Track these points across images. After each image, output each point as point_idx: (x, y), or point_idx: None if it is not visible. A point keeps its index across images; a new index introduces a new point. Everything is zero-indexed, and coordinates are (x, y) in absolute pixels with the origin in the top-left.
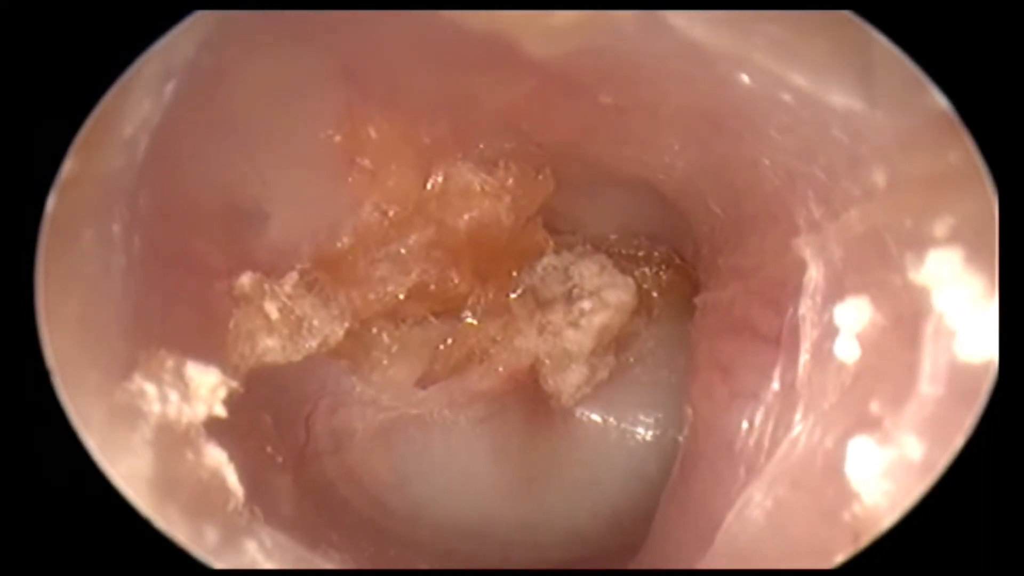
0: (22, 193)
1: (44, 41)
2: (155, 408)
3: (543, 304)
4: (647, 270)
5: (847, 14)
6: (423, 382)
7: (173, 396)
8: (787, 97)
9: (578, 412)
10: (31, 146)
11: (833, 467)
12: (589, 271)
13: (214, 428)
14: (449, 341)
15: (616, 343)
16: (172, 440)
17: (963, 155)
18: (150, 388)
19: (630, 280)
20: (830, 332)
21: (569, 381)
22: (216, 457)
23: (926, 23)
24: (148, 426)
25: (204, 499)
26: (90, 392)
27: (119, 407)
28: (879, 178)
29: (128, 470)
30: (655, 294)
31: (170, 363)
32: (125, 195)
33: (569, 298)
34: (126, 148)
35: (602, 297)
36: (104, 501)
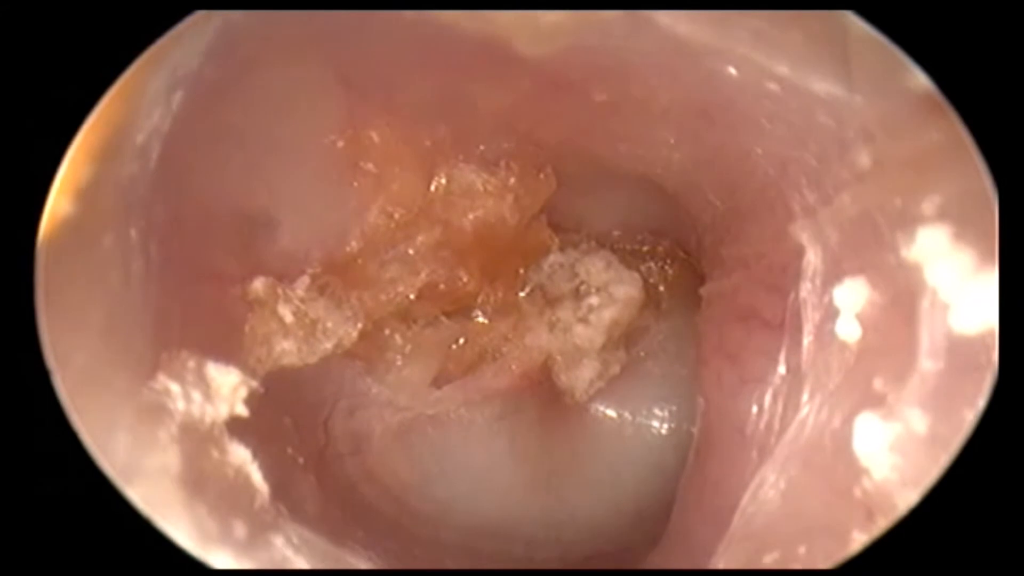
0: (21, 194)
1: (44, 41)
2: (180, 406)
3: (552, 301)
4: (652, 264)
5: (847, 14)
6: (438, 382)
7: (196, 395)
8: (773, 86)
9: (593, 408)
10: (30, 147)
11: (842, 445)
12: (595, 267)
13: (237, 428)
14: (461, 341)
15: (626, 338)
16: (198, 438)
17: (946, 134)
18: (174, 387)
19: (636, 275)
20: (831, 313)
21: (581, 376)
22: (240, 456)
23: (926, 23)
24: (174, 423)
25: (231, 495)
26: (119, 393)
27: (146, 405)
28: (866, 161)
29: (158, 465)
30: (661, 288)
31: (191, 364)
32: (141, 202)
33: (577, 295)
34: (139, 155)
35: (610, 292)
36: (104, 501)
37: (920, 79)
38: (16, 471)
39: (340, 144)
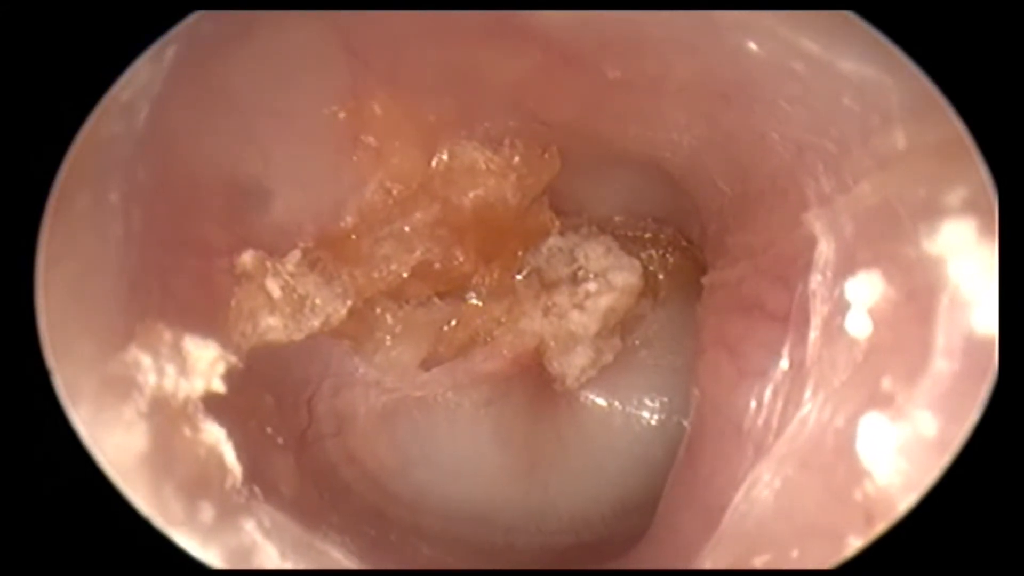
0: (21, 193)
1: (44, 41)
2: (150, 380)
3: (548, 286)
4: (653, 252)
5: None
6: (427, 364)
7: (170, 369)
8: (798, 66)
9: (583, 396)
10: (30, 148)
11: (844, 445)
12: (595, 253)
13: (213, 405)
14: (453, 323)
15: (622, 326)
16: (168, 414)
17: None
18: (145, 359)
19: (636, 262)
20: (841, 307)
21: (574, 364)
22: (214, 434)
23: (926, 23)
24: (143, 398)
25: (201, 476)
26: (82, 362)
27: (112, 378)
28: (891, 147)
29: (120, 442)
30: (661, 276)
31: (167, 336)
32: (123, 164)
33: (574, 280)
34: (124, 114)
35: (608, 279)
36: (105, 501)
37: None
38: (15, 470)
39: (341, 115)
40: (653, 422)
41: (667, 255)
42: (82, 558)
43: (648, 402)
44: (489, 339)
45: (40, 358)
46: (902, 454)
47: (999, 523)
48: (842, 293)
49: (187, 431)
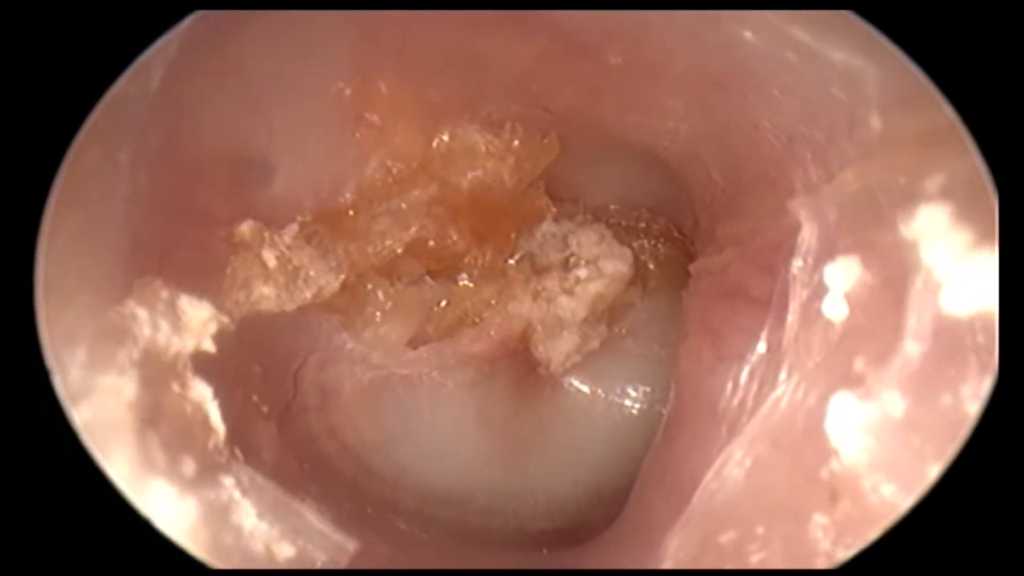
0: (21, 192)
1: (43, 41)
2: (145, 332)
3: (539, 270)
4: (645, 242)
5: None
6: (414, 342)
7: (164, 325)
8: (791, 56)
9: (566, 382)
10: (30, 147)
11: (814, 425)
12: (588, 240)
13: (202, 366)
14: (443, 303)
15: (609, 314)
16: (159, 367)
17: (957, 113)
18: (142, 313)
19: (627, 251)
20: (819, 292)
21: (559, 348)
22: (201, 393)
23: (926, 23)
24: (136, 348)
25: (186, 431)
26: (81, 309)
27: (110, 326)
28: (876, 136)
29: (112, 385)
30: (651, 266)
31: (164, 294)
32: (135, 125)
33: (566, 266)
34: (140, 74)
35: (599, 266)
36: (105, 501)
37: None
38: (15, 468)
39: (347, 92)
40: (635, 411)
41: (659, 245)
42: (82, 558)
43: (631, 391)
44: (478, 320)
45: (40, 358)
46: (869, 433)
47: (999, 523)
48: (821, 278)
49: (175, 386)
